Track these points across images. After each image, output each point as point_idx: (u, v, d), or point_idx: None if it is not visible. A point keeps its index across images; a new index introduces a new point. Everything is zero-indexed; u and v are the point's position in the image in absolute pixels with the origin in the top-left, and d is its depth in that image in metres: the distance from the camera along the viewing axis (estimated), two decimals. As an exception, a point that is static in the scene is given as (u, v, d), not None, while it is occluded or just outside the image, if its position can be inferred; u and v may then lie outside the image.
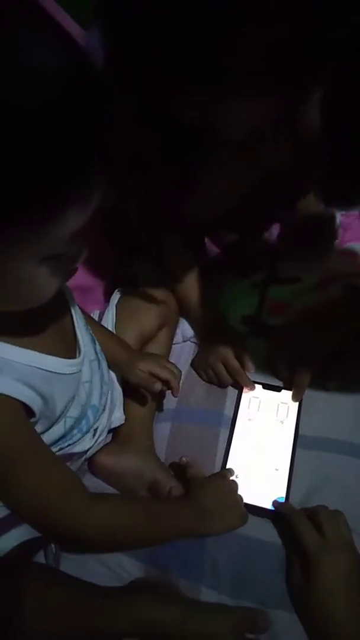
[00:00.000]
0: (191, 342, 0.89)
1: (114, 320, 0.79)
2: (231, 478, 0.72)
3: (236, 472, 0.73)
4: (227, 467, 0.74)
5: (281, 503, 0.70)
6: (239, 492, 0.70)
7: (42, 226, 0.37)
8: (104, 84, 0.38)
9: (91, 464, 0.73)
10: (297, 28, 0.40)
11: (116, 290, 0.85)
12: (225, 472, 0.72)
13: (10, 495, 0.52)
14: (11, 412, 0.48)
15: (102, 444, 0.72)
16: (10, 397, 0.47)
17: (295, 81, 0.45)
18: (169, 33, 0.42)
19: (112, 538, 0.58)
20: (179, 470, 0.72)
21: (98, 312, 0.83)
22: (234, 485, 0.70)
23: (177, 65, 0.45)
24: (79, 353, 0.59)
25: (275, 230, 1.03)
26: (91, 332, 0.66)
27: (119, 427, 0.74)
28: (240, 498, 0.69)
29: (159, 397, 0.79)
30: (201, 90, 0.47)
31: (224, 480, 0.71)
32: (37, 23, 0.36)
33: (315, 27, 0.41)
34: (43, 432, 0.55)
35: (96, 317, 0.80)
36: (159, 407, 0.81)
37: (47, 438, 0.57)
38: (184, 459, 0.72)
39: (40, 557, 0.61)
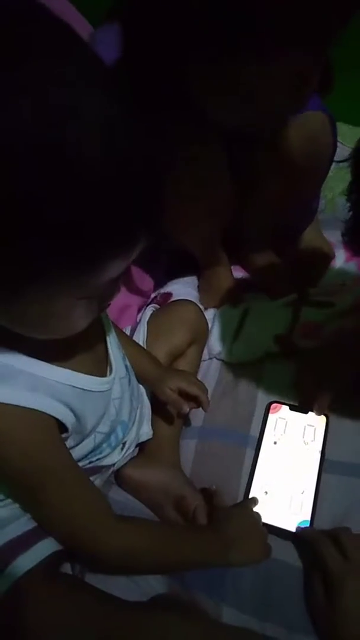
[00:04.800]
0: (217, 359, 0.90)
1: (145, 336, 0.81)
2: (255, 499, 0.72)
3: (261, 493, 0.73)
4: (252, 487, 0.73)
5: (303, 528, 0.69)
6: (263, 513, 0.70)
7: (80, 275, 0.38)
8: (150, 137, 0.37)
9: (118, 476, 0.74)
10: None
11: (148, 306, 0.87)
12: (248, 503, 0.71)
13: (36, 509, 0.54)
14: (45, 428, 0.50)
15: (129, 457, 0.73)
16: (45, 414, 0.49)
17: (324, 32, 0.50)
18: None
19: (132, 561, 0.59)
20: (206, 495, 0.72)
21: (129, 327, 0.84)
22: (258, 517, 0.69)
23: (215, 38, 0.49)
24: (111, 371, 0.61)
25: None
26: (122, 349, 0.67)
27: (146, 441, 0.76)
28: (265, 532, 0.68)
29: (186, 414, 0.80)
30: (248, 55, 0.51)
31: (246, 511, 0.70)
32: (83, 57, 0.35)
33: None
34: (74, 447, 0.57)
35: (127, 333, 0.82)
36: (186, 423, 0.82)
37: (77, 452, 0.58)
38: (214, 486, 0.72)
39: (66, 568, 0.62)
